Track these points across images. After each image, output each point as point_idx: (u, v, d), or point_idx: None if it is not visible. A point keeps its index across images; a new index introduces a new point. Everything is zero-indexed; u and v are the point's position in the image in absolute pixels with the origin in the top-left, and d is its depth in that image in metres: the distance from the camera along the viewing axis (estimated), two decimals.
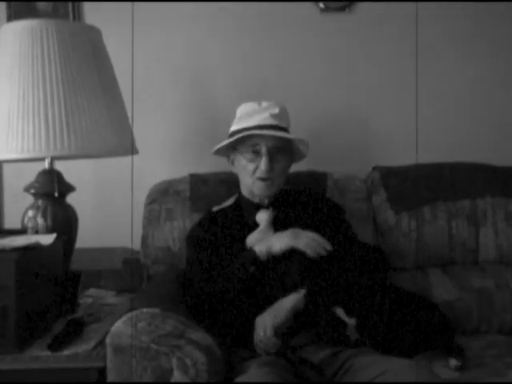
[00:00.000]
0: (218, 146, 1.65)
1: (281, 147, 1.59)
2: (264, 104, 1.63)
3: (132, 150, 1.69)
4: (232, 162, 1.68)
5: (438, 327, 1.54)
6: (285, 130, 1.61)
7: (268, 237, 1.54)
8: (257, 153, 1.58)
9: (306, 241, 1.49)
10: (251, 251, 1.51)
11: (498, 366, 1.49)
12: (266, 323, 1.40)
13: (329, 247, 1.50)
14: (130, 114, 1.83)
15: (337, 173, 1.95)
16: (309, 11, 2.12)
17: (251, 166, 1.59)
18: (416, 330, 1.50)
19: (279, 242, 1.51)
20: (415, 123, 1.97)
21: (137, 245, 1.88)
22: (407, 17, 2.08)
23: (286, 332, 1.42)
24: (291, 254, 1.50)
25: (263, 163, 1.56)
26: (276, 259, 1.51)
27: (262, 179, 1.58)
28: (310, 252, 1.48)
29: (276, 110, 1.60)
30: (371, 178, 1.97)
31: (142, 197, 1.89)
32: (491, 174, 1.96)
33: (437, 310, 1.59)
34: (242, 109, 1.66)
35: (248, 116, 1.61)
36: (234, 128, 1.64)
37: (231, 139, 1.60)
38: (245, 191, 1.67)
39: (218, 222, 1.64)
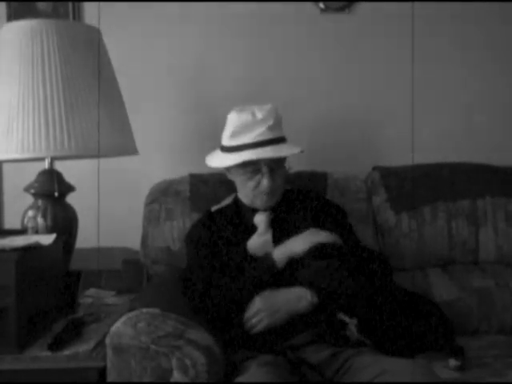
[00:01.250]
0: (215, 166, 1.61)
1: (279, 160, 1.56)
2: (258, 115, 1.53)
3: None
4: (228, 170, 1.63)
5: (439, 327, 1.54)
6: (282, 139, 1.57)
7: (285, 242, 1.52)
8: (257, 170, 1.54)
9: (326, 234, 1.49)
10: (269, 259, 1.48)
11: (498, 366, 1.49)
12: (261, 314, 1.42)
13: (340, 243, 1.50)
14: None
15: (337, 173, 1.94)
16: (309, 11, 2.12)
17: (252, 183, 1.56)
18: (416, 330, 1.50)
19: (299, 244, 1.48)
20: (413, 123, 1.97)
21: (137, 245, 1.88)
22: (407, 17, 2.08)
23: (284, 331, 1.42)
24: (302, 259, 1.48)
25: (266, 181, 1.53)
26: (288, 265, 1.49)
27: (265, 193, 1.56)
28: (334, 241, 1.47)
29: (271, 122, 1.53)
30: (371, 178, 1.97)
31: (142, 197, 1.89)
32: (491, 174, 1.96)
33: (437, 309, 1.59)
34: (234, 120, 1.55)
35: (243, 130, 1.53)
36: (228, 143, 1.57)
37: (230, 164, 1.55)
38: (243, 198, 1.63)
39: (217, 221, 1.63)
